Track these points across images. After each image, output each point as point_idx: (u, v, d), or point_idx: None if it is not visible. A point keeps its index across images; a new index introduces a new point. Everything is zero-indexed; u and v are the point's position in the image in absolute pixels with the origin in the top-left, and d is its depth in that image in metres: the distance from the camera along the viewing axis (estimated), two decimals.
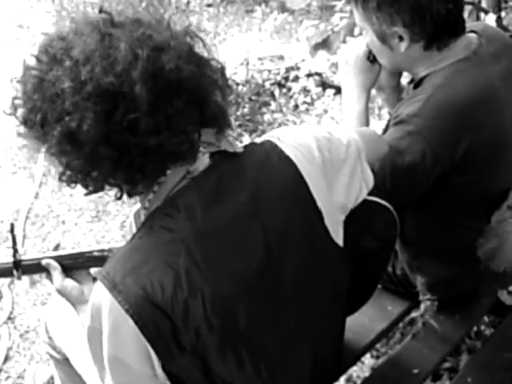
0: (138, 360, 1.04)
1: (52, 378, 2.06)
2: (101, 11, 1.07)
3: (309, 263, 1.16)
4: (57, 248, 1.43)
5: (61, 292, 1.34)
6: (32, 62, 1.06)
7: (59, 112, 1.01)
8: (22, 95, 1.06)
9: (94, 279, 1.08)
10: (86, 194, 1.11)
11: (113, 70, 0.99)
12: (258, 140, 1.22)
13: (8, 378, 2.26)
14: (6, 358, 2.33)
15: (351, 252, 1.26)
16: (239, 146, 1.15)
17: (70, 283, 1.33)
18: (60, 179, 1.08)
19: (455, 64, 1.54)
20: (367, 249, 1.37)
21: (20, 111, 1.07)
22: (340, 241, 1.21)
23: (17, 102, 1.07)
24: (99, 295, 1.04)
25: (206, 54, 1.12)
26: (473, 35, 1.60)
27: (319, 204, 1.15)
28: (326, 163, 1.18)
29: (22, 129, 1.09)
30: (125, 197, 1.13)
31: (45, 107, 1.02)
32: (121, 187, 1.09)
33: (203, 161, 1.11)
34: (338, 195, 1.20)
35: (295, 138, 1.20)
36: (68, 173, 1.06)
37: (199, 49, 1.11)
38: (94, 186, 1.08)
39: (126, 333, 1.02)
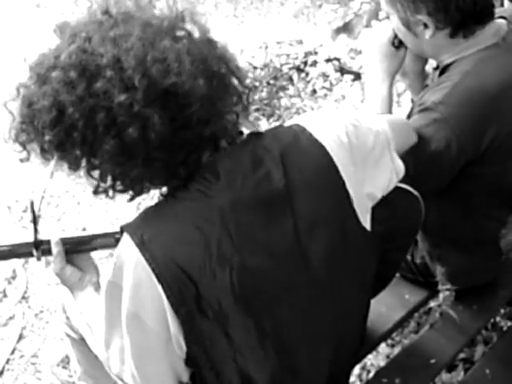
0: (156, 320, 1.03)
1: (66, 356, 2.07)
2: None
3: (338, 246, 1.15)
4: (84, 230, 1.41)
5: (59, 276, 1.33)
6: (59, 84, 0.99)
7: (112, 126, 0.98)
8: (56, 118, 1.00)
9: (121, 232, 1.06)
10: (130, 200, 1.10)
11: (171, 71, 0.98)
12: (286, 123, 1.21)
13: (22, 356, 2.27)
14: (20, 337, 2.34)
15: (377, 237, 1.24)
16: (259, 128, 1.16)
17: (69, 269, 1.32)
18: (96, 192, 1.07)
19: (483, 51, 1.51)
20: (391, 234, 1.36)
21: (50, 136, 1.01)
22: (368, 225, 1.19)
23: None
24: (126, 249, 1.03)
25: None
26: (502, 21, 1.56)
27: (349, 188, 1.14)
28: (353, 149, 1.17)
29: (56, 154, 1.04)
30: None
31: (90, 124, 0.98)
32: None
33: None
34: (367, 182, 1.18)
35: (324, 122, 1.19)
36: (117, 183, 1.05)
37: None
38: (137, 191, 1.08)
39: (148, 291, 1.02)
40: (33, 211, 1.34)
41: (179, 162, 1.04)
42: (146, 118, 0.97)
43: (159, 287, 1.01)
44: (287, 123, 1.21)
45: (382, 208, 1.24)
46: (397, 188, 1.30)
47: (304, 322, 1.16)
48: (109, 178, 1.05)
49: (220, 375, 1.12)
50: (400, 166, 1.27)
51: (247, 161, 1.09)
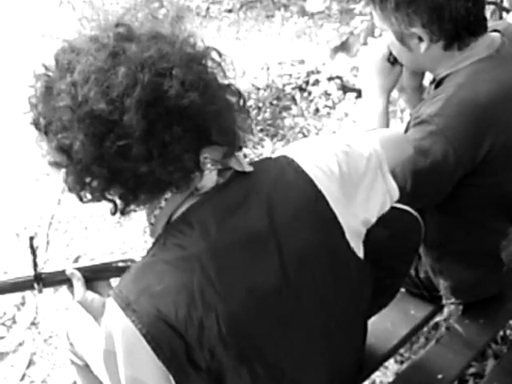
0: (155, 379, 1.02)
1: (75, 383, 2.07)
2: (117, 25, 1.04)
3: (330, 278, 1.14)
4: (77, 260, 1.44)
5: (82, 304, 1.33)
6: (42, 68, 1.05)
7: (57, 125, 1.00)
8: (34, 99, 1.06)
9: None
10: (84, 202, 1.08)
11: (106, 97, 0.97)
12: (273, 155, 1.20)
13: (32, 382, 2.28)
14: (30, 363, 2.35)
15: (372, 259, 1.23)
16: (248, 166, 1.12)
17: (90, 295, 1.33)
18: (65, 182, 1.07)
19: (477, 63, 1.52)
20: (388, 252, 1.36)
21: (32, 113, 1.06)
22: (361, 253, 1.18)
23: (31, 102, 1.07)
24: (112, 315, 1.03)
25: (221, 79, 1.09)
26: (496, 34, 1.58)
27: (340, 219, 1.13)
28: (344, 178, 1.15)
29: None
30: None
31: (49, 116, 1.02)
32: (115, 203, 1.07)
33: (211, 178, 1.09)
34: (359, 209, 1.17)
35: (313, 152, 1.17)
36: (67, 181, 1.05)
37: (215, 72, 1.08)
38: (91, 198, 1.06)
39: (140, 353, 1.01)
40: (31, 245, 1.36)
41: (129, 188, 1.03)
42: (77, 131, 0.98)
43: (148, 347, 1.00)
44: (276, 154, 1.20)
45: (381, 228, 1.24)
46: (395, 208, 1.29)
47: (296, 359, 1.14)
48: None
49: None
50: (394, 187, 1.24)
51: (223, 206, 1.07)
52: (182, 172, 1.03)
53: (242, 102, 1.12)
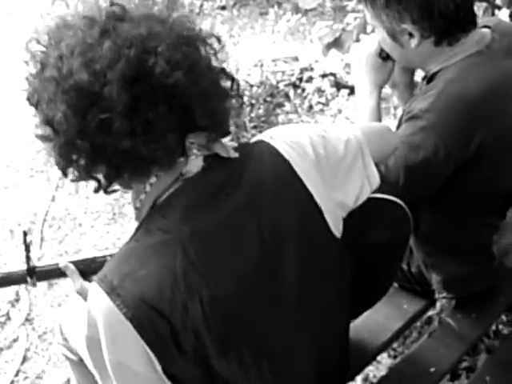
0: (140, 363, 1.03)
1: (69, 380, 2.07)
2: (112, 4, 1.05)
3: (310, 258, 1.15)
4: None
5: (81, 295, 1.33)
6: (36, 45, 1.06)
7: (44, 98, 1.01)
8: (28, 74, 1.06)
9: None
10: (72, 181, 1.08)
11: (89, 68, 0.97)
12: (251, 140, 1.21)
13: (26, 378, 2.28)
14: (24, 359, 2.35)
15: (357, 247, 1.25)
16: (233, 152, 1.13)
17: (88, 286, 1.32)
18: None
19: (467, 58, 1.53)
20: (378, 245, 1.37)
21: (27, 89, 1.07)
22: (339, 235, 1.19)
23: (26, 78, 1.07)
24: (96, 300, 1.03)
25: (214, 62, 1.09)
26: (486, 30, 1.59)
27: (317, 199, 1.14)
28: (320, 160, 1.17)
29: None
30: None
31: (39, 90, 1.03)
32: (99, 181, 1.07)
33: (197, 163, 1.10)
34: (337, 192, 1.18)
35: (287, 135, 1.19)
36: (54, 156, 1.05)
37: (207, 55, 1.08)
38: (77, 175, 1.06)
39: (125, 337, 1.01)
40: (25, 239, 1.36)
41: (113, 165, 1.03)
42: (60, 103, 0.99)
43: (134, 330, 1.00)
44: (253, 139, 1.21)
45: (365, 220, 1.26)
46: (382, 199, 1.31)
47: (283, 340, 1.15)
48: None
49: None
50: (374, 173, 1.25)
51: (205, 191, 1.08)
52: (165, 150, 1.03)
53: (235, 86, 1.13)
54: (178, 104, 1.01)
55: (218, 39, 1.11)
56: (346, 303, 1.30)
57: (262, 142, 1.18)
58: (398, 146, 1.39)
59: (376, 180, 1.25)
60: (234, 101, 1.13)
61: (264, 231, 1.09)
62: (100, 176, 1.06)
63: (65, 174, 1.07)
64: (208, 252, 1.05)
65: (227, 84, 1.12)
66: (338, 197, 1.18)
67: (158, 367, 1.03)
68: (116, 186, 1.09)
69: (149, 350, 1.01)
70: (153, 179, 1.09)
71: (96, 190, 1.08)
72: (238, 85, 1.14)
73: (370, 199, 1.25)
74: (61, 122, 0.99)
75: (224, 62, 1.12)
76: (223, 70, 1.11)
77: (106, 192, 1.09)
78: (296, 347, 1.18)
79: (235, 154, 1.13)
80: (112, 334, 1.02)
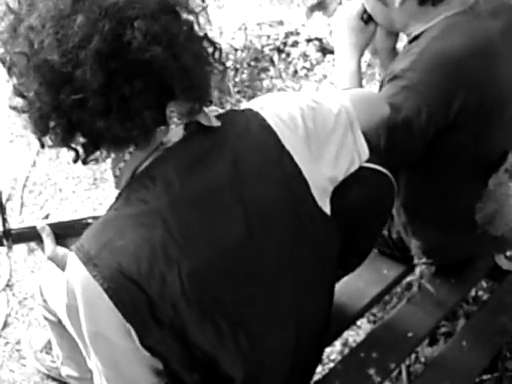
0: (117, 334, 1.02)
1: (49, 342, 2.07)
2: None
3: (295, 233, 1.13)
4: (47, 217, 1.41)
5: (52, 259, 1.32)
6: (14, 4, 1.01)
7: (15, 71, 0.99)
8: (1, 35, 1.02)
9: None
10: (50, 147, 1.05)
11: (60, 48, 0.93)
12: (239, 107, 1.18)
13: (7, 343, 2.27)
14: (5, 325, 2.34)
15: (343, 218, 1.23)
16: (215, 120, 1.10)
17: (61, 250, 1.31)
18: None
19: (451, 17, 1.51)
20: (361, 212, 1.36)
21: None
22: (327, 209, 1.18)
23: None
24: (73, 269, 1.02)
25: (195, 28, 1.04)
26: None
27: (305, 173, 1.12)
28: (309, 134, 1.15)
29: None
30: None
31: (11, 58, 0.99)
32: (77, 152, 1.04)
33: (177, 132, 1.07)
34: (326, 166, 1.16)
35: (278, 106, 1.16)
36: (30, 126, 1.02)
37: (189, 21, 1.03)
38: (54, 144, 1.03)
39: (101, 307, 1.00)
40: (0, 202, 1.34)
41: (90, 139, 1.01)
42: (32, 80, 0.96)
43: (110, 301, 0.99)
44: (242, 106, 1.18)
45: (357, 187, 1.24)
46: (369, 168, 1.29)
47: (261, 314, 1.14)
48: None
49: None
50: (363, 146, 1.24)
51: (186, 160, 1.05)
52: (140, 130, 1.00)
53: (217, 53, 1.09)
54: (155, 80, 0.98)
55: (201, 1, 1.07)
56: (331, 276, 1.29)
57: (250, 110, 1.14)
58: (386, 114, 1.37)
59: (365, 153, 1.24)
60: (216, 70, 1.09)
61: (248, 208, 1.07)
62: (78, 147, 1.04)
63: (42, 145, 1.04)
64: (188, 224, 1.03)
65: (210, 50, 1.08)
66: (327, 172, 1.16)
67: (136, 338, 1.02)
68: (94, 157, 1.06)
69: (125, 322, 1.00)
70: (132, 148, 1.06)
71: (75, 160, 1.06)
72: (221, 52, 1.10)
73: None
74: (34, 99, 0.96)
75: (206, 27, 1.07)
76: (206, 37, 1.07)
77: (84, 163, 1.06)
78: (275, 322, 1.17)
79: (217, 123, 1.10)
80: (89, 305, 1.02)
